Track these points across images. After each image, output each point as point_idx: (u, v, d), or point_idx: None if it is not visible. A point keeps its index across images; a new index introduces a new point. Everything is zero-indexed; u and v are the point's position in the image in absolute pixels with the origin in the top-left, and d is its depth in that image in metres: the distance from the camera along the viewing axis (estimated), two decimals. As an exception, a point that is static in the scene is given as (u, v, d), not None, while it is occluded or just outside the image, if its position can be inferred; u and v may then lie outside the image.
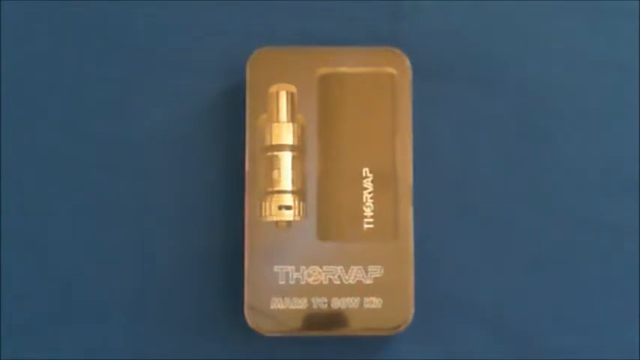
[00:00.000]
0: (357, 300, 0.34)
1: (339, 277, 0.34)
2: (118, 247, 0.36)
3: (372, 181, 0.35)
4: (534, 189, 0.37)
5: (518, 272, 0.37)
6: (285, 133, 0.35)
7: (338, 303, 0.34)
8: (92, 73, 0.38)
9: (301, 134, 0.35)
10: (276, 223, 0.35)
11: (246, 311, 0.34)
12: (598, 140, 0.37)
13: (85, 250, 0.37)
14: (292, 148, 0.35)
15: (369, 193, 0.35)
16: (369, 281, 0.34)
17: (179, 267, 0.36)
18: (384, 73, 0.35)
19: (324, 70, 0.35)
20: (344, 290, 0.34)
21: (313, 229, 0.35)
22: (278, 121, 0.35)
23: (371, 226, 0.35)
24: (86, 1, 0.38)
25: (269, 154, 0.35)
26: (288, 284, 0.34)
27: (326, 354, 0.36)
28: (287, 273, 0.34)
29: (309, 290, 0.34)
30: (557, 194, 0.37)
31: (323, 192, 0.35)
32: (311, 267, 0.34)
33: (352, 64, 0.36)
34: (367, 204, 0.35)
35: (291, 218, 0.35)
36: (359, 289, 0.34)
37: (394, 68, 0.35)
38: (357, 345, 0.36)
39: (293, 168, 0.35)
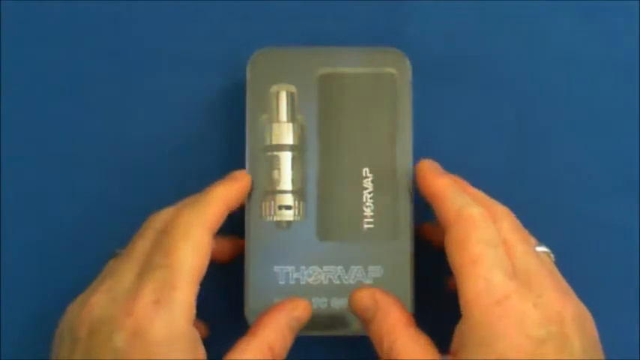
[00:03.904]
0: (357, 300, 0.34)
1: (339, 277, 0.34)
2: (117, 247, 0.36)
3: (372, 181, 0.35)
4: (534, 189, 0.37)
5: (518, 272, 0.36)
6: (285, 133, 0.35)
7: (338, 303, 0.34)
8: (92, 73, 0.38)
9: (301, 134, 0.35)
10: (276, 223, 0.35)
11: (246, 311, 0.34)
12: (598, 140, 0.37)
13: (85, 250, 0.37)
14: (292, 148, 0.35)
15: (369, 193, 0.35)
16: (369, 281, 0.34)
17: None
18: (384, 73, 0.35)
19: (324, 70, 0.35)
20: (344, 290, 0.34)
21: (313, 229, 0.35)
22: (278, 121, 0.35)
23: (371, 226, 0.35)
24: (86, 1, 0.38)
25: (269, 154, 0.35)
26: (288, 284, 0.34)
27: (326, 354, 0.36)
28: (287, 273, 0.34)
29: (309, 290, 0.34)
30: (558, 194, 0.37)
31: (323, 192, 0.35)
32: (311, 267, 0.34)
33: (352, 64, 0.36)
34: (367, 204, 0.35)
35: (291, 218, 0.35)
36: (359, 289, 0.34)
37: (394, 68, 0.35)
38: (357, 345, 0.36)
39: (293, 168, 0.35)
